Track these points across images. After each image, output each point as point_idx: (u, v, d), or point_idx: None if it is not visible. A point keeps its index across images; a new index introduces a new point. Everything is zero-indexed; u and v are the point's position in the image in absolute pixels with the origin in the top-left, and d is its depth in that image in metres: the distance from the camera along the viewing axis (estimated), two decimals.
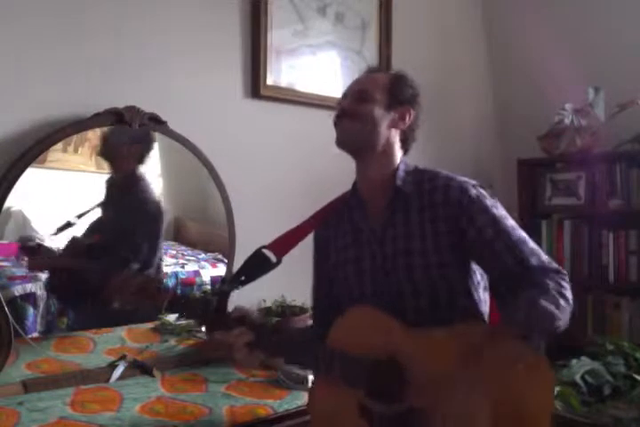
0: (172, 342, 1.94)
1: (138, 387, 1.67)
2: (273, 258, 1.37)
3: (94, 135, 1.82)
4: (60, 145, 1.73)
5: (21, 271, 1.70)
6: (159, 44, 1.95)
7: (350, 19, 2.50)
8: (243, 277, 1.35)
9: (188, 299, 1.35)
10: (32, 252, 1.71)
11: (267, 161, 2.24)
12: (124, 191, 1.91)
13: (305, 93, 2.33)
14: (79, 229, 1.79)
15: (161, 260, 1.95)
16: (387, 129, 1.33)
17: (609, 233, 2.63)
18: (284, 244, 1.40)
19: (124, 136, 1.85)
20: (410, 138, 1.39)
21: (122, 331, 1.88)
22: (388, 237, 1.32)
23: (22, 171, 1.64)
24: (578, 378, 1.84)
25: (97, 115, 1.76)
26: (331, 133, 1.49)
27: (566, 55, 2.76)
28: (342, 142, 1.35)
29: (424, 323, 1.24)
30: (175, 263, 2.02)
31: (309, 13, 2.35)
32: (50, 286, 1.72)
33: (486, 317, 1.33)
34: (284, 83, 2.27)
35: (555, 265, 1.25)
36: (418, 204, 1.31)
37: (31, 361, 1.68)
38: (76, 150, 1.79)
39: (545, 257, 1.26)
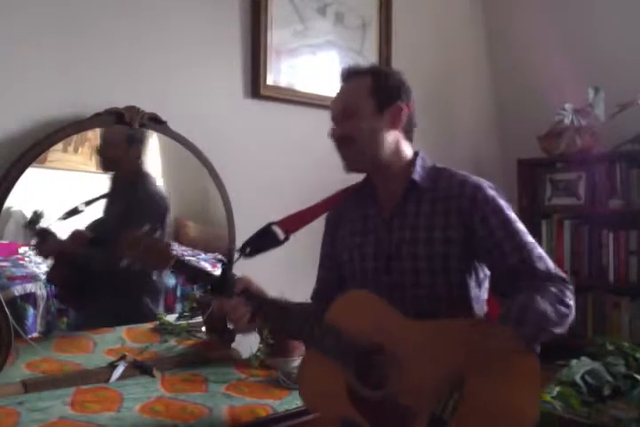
0: (172, 342, 1.94)
1: (138, 387, 1.66)
2: (281, 235, 1.38)
3: (94, 135, 1.81)
4: (60, 145, 1.72)
5: (21, 271, 1.70)
6: (159, 44, 1.95)
7: (350, 19, 2.50)
8: (248, 250, 1.35)
9: (193, 265, 1.34)
10: (41, 236, 1.73)
11: (267, 161, 2.24)
12: (129, 187, 1.94)
13: (305, 93, 2.33)
14: (84, 220, 1.80)
15: None
16: (386, 134, 1.32)
17: (609, 233, 2.63)
18: (294, 222, 1.41)
19: (120, 136, 1.88)
20: (411, 126, 1.37)
21: (122, 331, 1.87)
22: (396, 225, 1.33)
23: (22, 171, 1.63)
24: (578, 378, 1.85)
25: (97, 115, 1.76)
26: None
27: (566, 55, 2.76)
28: (352, 170, 1.36)
29: (421, 312, 1.25)
30: None
31: (309, 13, 2.35)
32: (51, 278, 1.74)
33: (481, 315, 1.33)
34: (283, 83, 2.27)
35: (561, 274, 1.25)
36: (431, 196, 1.32)
37: (31, 361, 1.68)
38: (76, 150, 1.79)
39: (552, 264, 1.25)
